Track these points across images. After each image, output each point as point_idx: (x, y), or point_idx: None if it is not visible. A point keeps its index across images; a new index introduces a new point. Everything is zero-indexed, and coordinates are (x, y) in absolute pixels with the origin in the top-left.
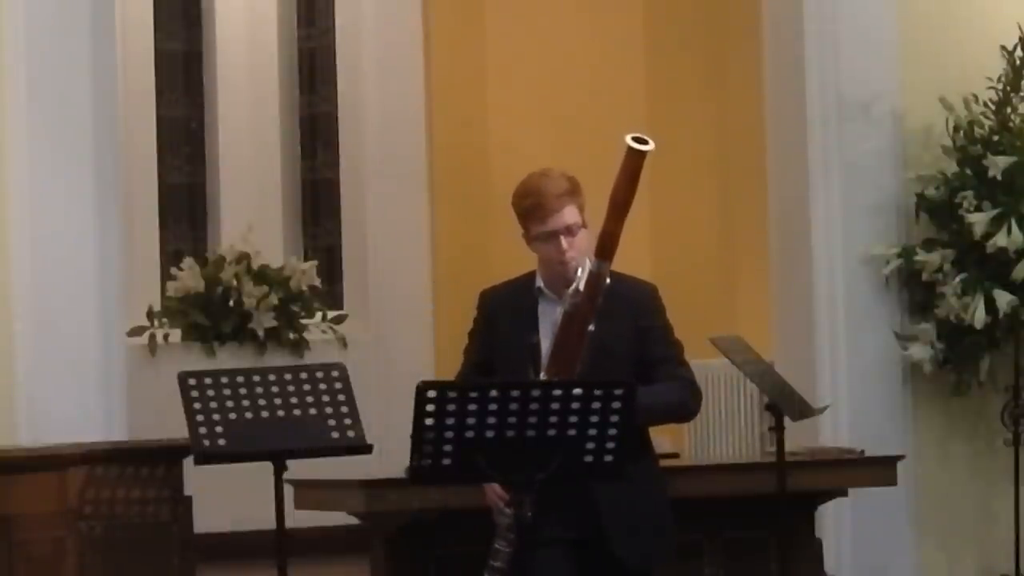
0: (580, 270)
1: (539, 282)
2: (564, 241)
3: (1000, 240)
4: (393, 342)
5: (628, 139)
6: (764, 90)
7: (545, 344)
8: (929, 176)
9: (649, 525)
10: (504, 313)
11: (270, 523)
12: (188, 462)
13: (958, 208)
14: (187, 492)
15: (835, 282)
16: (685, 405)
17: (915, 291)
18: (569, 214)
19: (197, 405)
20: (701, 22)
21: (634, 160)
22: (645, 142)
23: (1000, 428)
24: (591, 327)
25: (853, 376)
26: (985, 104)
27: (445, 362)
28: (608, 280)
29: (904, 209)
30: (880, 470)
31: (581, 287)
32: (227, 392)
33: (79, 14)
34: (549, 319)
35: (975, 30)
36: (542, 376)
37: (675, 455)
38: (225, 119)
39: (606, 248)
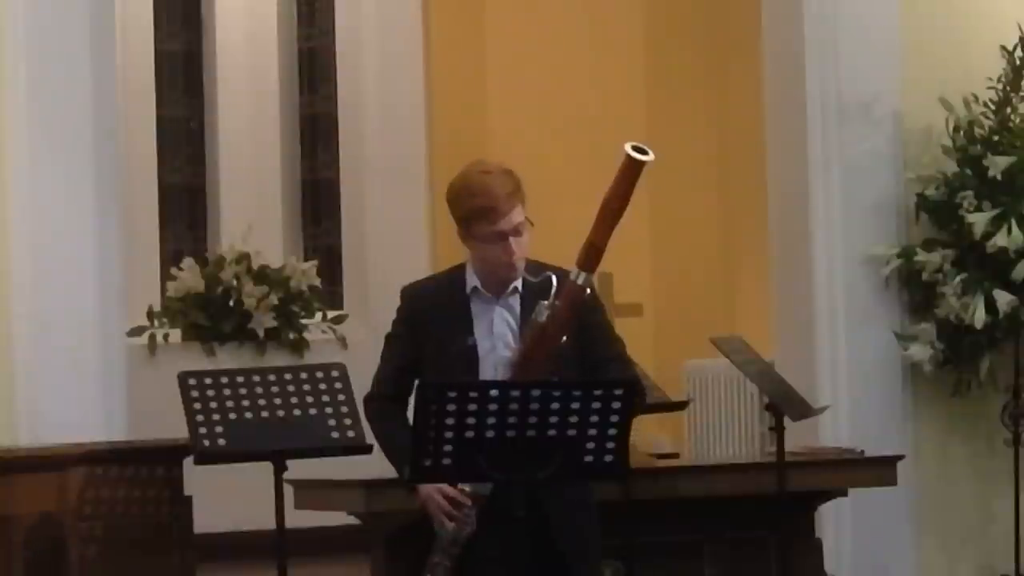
0: (552, 280)
1: (474, 280)
2: (513, 242)
3: (1000, 240)
4: None
5: (627, 147)
6: (764, 90)
7: (483, 345)
8: (929, 176)
9: (588, 539)
10: (433, 312)
11: (270, 523)
12: (188, 462)
13: (958, 208)
14: (187, 492)
15: (835, 282)
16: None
17: (915, 291)
18: (517, 214)
19: (197, 405)
20: (701, 22)
21: (631, 170)
22: (645, 152)
23: (1000, 428)
24: (563, 338)
25: (853, 376)
26: (985, 104)
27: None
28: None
29: (904, 209)
30: (880, 470)
31: (520, 288)
32: (227, 392)
33: (79, 14)
34: (486, 319)
35: (975, 30)
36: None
37: (675, 455)
38: (225, 119)
39: (591, 259)
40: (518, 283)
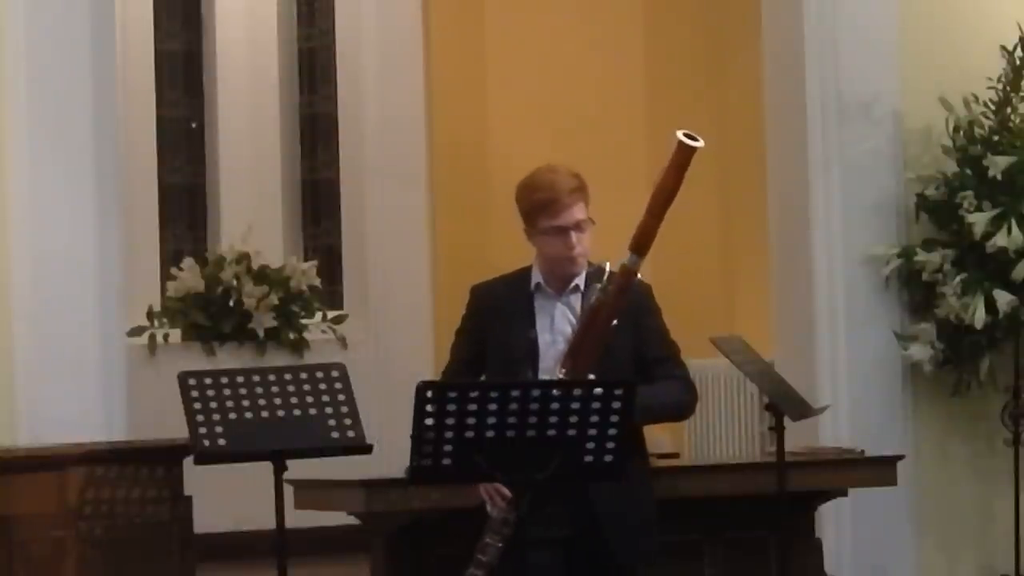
0: (606, 267)
1: (537, 277)
2: (573, 237)
3: (1000, 240)
4: (393, 342)
5: (679, 134)
6: (764, 90)
7: (543, 339)
8: (929, 176)
9: (638, 523)
10: (498, 308)
11: (270, 523)
12: (188, 462)
13: (958, 208)
14: (187, 492)
15: (835, 282)
16: (681, 404)
17: (915, 291)
18: (579, 210)
19: (197, 405)
20: (701, 22)
21: (683, 156)
22: (695, 139)
23: (1000, 428)
24: (615, 321)
25: (853, 376)
26: (985, 104)
27: (444, 362)
28: (639, 276)
29: (904, 209)
30: (880, 470)
31: (582, 285)
32: (227, 392)
33: (79, 14)
34: (547, 314)
35: (975, 30)
36: (559, 369)
37: (675, 455)
38: (225, 119)
39: (643, 243)
40: (580, 281)
